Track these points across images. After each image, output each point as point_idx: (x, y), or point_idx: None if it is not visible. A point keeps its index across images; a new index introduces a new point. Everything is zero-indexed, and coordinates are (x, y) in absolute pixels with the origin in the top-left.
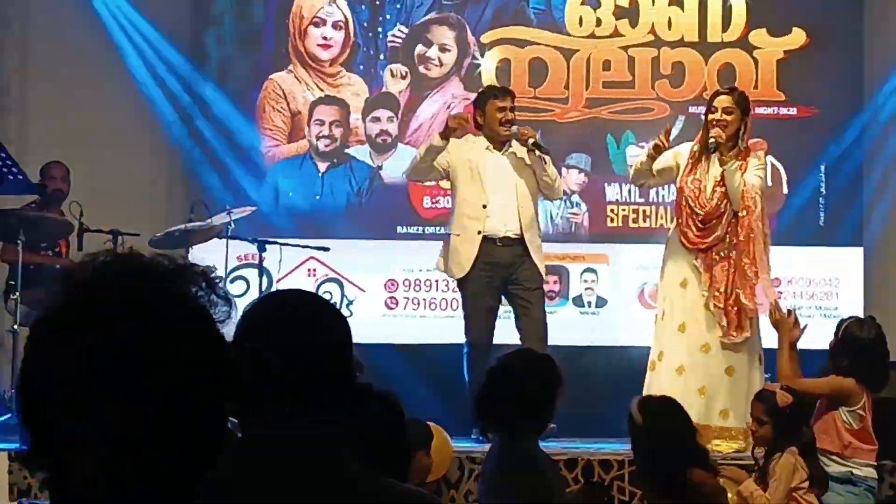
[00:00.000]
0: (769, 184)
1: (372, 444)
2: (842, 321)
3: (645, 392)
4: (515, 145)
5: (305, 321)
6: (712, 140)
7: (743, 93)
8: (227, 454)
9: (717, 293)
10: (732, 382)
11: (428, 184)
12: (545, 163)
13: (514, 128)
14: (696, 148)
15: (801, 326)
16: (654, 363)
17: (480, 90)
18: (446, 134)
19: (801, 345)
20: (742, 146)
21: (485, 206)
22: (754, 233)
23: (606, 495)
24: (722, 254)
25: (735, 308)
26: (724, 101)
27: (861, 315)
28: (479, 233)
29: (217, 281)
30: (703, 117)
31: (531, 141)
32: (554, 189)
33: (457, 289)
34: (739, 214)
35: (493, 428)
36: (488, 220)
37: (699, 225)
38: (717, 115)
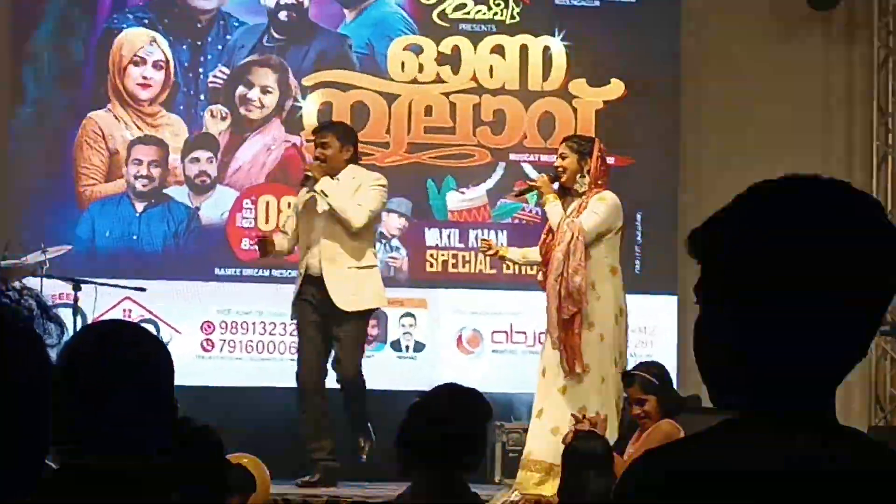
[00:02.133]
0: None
1: (189, 476)
2: (652, 367)
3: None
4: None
5: (126, 351)
6: (527, 184)
7: (580, 138)
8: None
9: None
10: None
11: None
12: (325, 196)
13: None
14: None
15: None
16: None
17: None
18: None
19: None
20: (580, 188)
21: (309, 248)
22: (556, 266)
23: None
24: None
25: (567, 344)
26: (560, 147)
27: (675, 361)
28: (304, 271)
29: (49, 304)
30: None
31: (305, 173)
32: (345, 220)
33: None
34: None
35: (418, 466)
36: (309, 260)
37: (542, 268)
38: (556, 162)
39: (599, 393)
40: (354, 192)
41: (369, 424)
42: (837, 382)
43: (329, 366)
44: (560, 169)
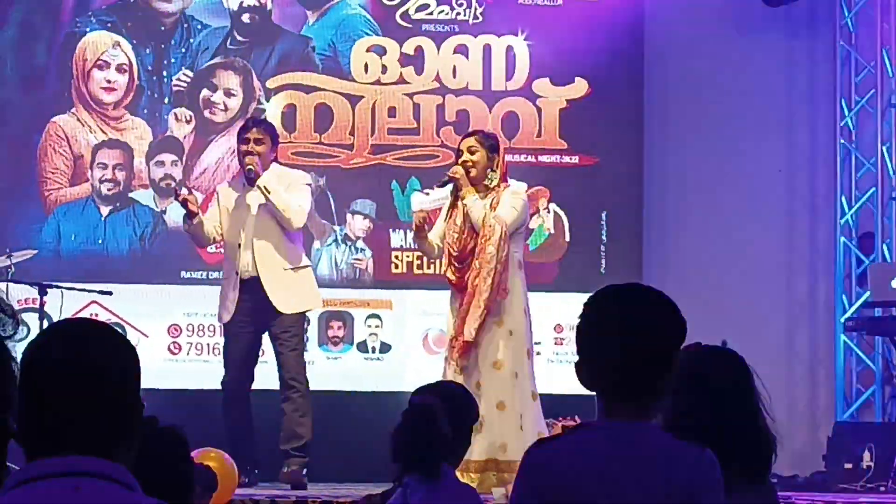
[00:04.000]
0: (526, 218)
1: (156, 476)
2: None
3: None
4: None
5: (91, 349)
6: (447, 175)
7: (487, 133)
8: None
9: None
10: (505, 416)
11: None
12: (268, 192)
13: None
14: (450, 195)
15: None
16: None
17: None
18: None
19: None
20: (490, 182)
21: (240, 247)
22: (488, 259)
23: None
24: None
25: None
26: (467, 142)
27: None
28: (237, 273)
29: (2, 297)
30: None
31: (248, 167)
32: (286, 219)
33: None
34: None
35: (414, 470)
36: (240, 260)
37: (456, 265)
38: (464, 156)
39: (514, 387)
40: (286, 190)
41: (305, 441)
42: (655, 402)
43: (269, 366)
44: (469, 164)
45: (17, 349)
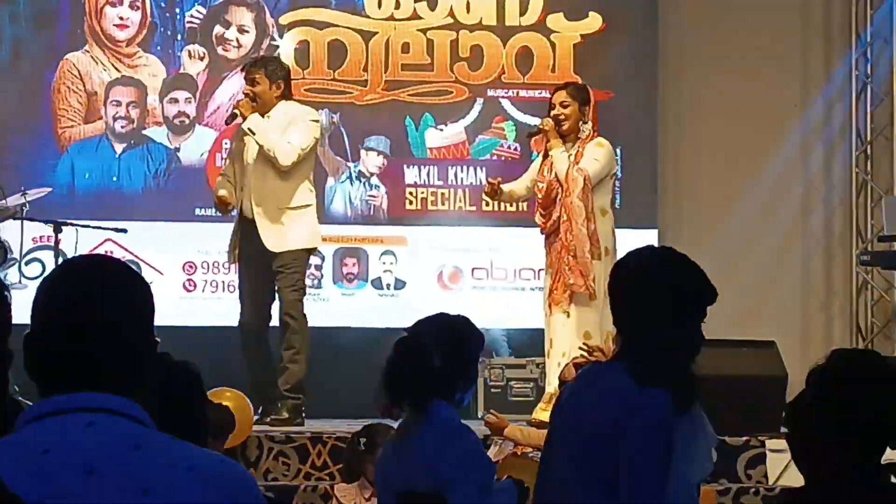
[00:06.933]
0: (611, 167)
1: (168, 410)
2: None
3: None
4: None
5: (105, 284)
6: (536, 127)
7: (579, 85)
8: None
9: (550, 272)
10: (552, 355)
11: None
12: (253, 134)
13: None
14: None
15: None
16: None
17: None
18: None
19: None
20: (583, 134)
21: (242, 189)
22: (573, 212)
23: None
24: (557, 235)
25: (560, 284)
26: (559, 95)
27: None
28: (240, 214)
29: None
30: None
31: (232, 110)
32: (273, 158)
33: None
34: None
35: (406, 403)
36: (243, 201)
37: (542, 211)
38: (556, 110)
39: (565, 326)
40: (286, 128)
41: (301, 383)
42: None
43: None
44: (562, 117)
45: (9, 278)
